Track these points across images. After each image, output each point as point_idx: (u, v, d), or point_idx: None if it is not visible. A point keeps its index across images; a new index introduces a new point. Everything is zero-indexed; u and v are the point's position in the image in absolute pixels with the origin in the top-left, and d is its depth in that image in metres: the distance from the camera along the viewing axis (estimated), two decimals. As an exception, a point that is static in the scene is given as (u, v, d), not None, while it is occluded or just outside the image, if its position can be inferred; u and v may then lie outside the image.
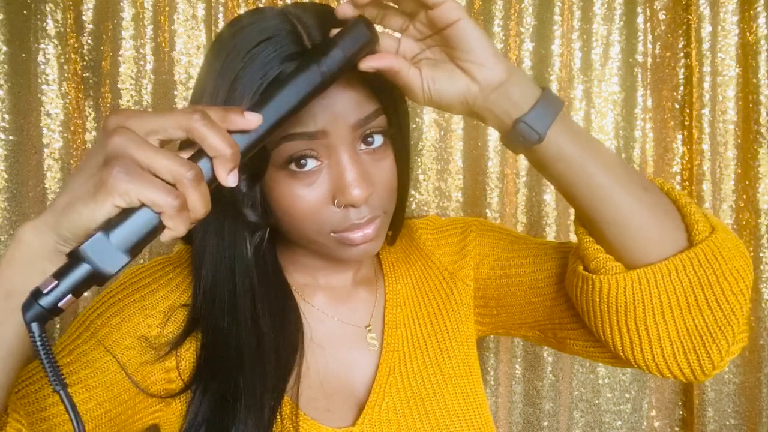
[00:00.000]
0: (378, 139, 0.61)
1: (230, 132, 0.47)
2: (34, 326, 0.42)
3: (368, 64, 0.54)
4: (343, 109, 0.57)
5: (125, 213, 0.43)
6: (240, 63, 0.56)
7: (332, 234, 0.61)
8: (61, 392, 0.43)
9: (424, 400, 0.69)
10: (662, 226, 0.59)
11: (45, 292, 0.42)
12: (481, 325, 0.78)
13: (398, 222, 0.73)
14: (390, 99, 0.61)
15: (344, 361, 0.70)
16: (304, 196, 0.59)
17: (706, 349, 0.59)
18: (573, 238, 1.44)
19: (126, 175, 0.42)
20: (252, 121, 0.47)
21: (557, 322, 0.71)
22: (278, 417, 0.62)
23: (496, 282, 0.75)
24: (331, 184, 0.59)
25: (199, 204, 0.43)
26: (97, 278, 0.43)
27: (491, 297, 0.76)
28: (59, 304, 0.42)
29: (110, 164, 0.42)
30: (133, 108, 1.30)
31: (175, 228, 0.43)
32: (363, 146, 0.60)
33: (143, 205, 0.43)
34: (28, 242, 0.45)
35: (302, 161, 0.58)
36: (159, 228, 0.44)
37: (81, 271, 0.42)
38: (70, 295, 0.42)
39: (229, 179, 0.45)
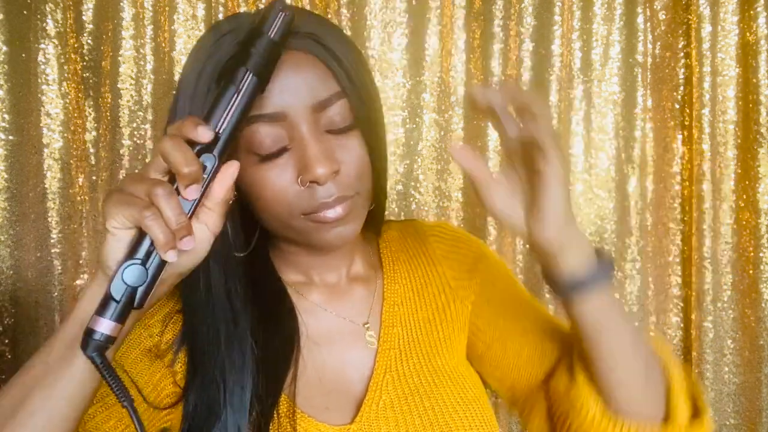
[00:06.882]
0: (342, 122, 0.61)
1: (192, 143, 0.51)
2: (95, 357, 0.50)
3: (460, 156, 0.57)
4: (299, 89, 0.58)
5: (132, 242, 0.51)
6: (205, 56, 0.60)
7: (302, 216, 0.61)
8: (128, 407, 0.51)
9: (422, 397, 0.69)
10: (649, 397, 0.65)
11: (94, 328, 0.49)
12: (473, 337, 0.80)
13: (379, 212, 0.73)
14: (352, 84, 0.61)
15: (341, 359, 0.70)
16: (271, 178, 0.60)
17: None
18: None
19: (112, 202, 0.50)
20: (203, 135, 0.51)
21: (531, 404, 0.75)
22: (275, 415, 0.62)
23: (490, 340, 0.77)
24: (296, 164, 0.60)
25: (171, 213, 0.48)
26: (128, 306, 0.50)
27: (480, 341, 0.78)
28: (109, 334, 0.49)
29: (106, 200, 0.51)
30: (132, 108, 1.31)
31: (157, 236, 0.48)
32: (327, 129, 0.61)
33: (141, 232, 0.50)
34: (89, 285, 0.54)
35: (267, 146, 0.59)
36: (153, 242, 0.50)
37: (113, 305, 0.50)
38: (115, 324, 0.49)
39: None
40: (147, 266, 0.49)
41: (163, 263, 0.50)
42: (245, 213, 0.65)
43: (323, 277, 0.73)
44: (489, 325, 0.77)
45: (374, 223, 0.74)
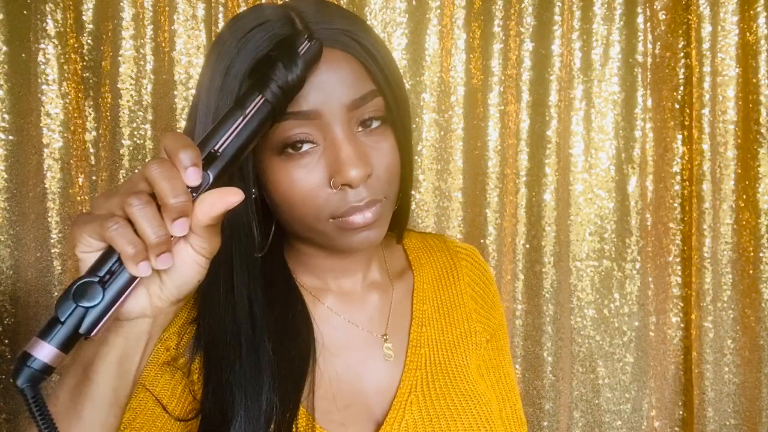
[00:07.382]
0: (376, 124, 0.60)
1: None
2: (27, 389, 0.41)
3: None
4: (336, 88, 0.56)
5: (96, 260, 0.43)
6: (234, 48, 0.57)
7: (331, 219, 0.59)
8: None
9: (447, 420, 0.67)
10: None
11: (31, 353, 0.41)
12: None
13: (403, 217, 0.71)
14: (387, 82, 0.60)
15: (357, 370, 0.67)
16: (300, 179, 0.58)
17: None
18: (573, 237, 1.44)
19: (77, 224, 0.44)
20: (192, 178, 0.44)
21: None
22: (294, 430, 0.60)
23: None
24: (328, 165, 0.58)
25: (146, 224, 0.42)
26: (74, 331, 0.42)
27: None
28: (47, 363, 0.42)
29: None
30: (132, 108, 1.31)
31: (123, 248, 0.42)
32: (360, 128, 0.59)
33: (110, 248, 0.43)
34: None
35: (298, 145, 0.57)
36: (121, 258, 0.43)
37: (56, 327, 0.42)
38: (57, 351, 0.42)
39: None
40: (105, 286, 0.42)
41: (128, 284, 0.43)
42: (262, 210, 0.63)
43: (339, 282, 0.70)
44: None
45: (397, 227, 0.72)
